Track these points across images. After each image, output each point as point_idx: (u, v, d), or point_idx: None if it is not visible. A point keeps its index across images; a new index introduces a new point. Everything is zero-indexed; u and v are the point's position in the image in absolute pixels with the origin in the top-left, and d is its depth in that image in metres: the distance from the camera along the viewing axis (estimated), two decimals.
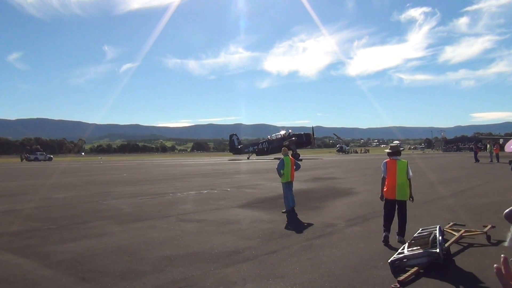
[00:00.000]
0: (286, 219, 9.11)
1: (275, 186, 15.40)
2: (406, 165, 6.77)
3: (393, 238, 6.93)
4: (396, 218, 6.83)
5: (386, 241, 6.58)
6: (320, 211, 10.16)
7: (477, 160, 32.52)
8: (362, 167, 31.49)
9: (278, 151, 54.58)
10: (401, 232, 6.71)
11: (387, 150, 7.12)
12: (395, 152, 6.96)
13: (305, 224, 8.47)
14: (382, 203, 6.98)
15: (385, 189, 6.83)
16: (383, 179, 6.94)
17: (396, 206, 6.82)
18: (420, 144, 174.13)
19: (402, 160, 6.87)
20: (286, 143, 51.60)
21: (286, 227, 8.19)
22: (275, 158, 54.55)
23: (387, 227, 6.75)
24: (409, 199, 6.82)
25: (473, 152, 35.62)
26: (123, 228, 8.34)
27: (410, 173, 6.81)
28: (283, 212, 9.90)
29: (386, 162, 6.93)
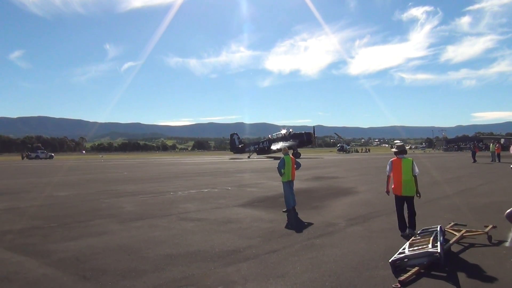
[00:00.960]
0: (287, 218, 9.11)
1: (276, 185, 15.40)
2: (411, 163, 7.18)
3: (397, 236, 6.94)
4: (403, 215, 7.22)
5: (406, 238, 6.84)
6: (321, 210, 10.16)
7: (474, 160, 32.47)
8: (363, 166, 31.47)
9: (279, 150, 54.73)
10: (412, 225, 7.11)
11: (394, 150, 7.61)
12: (401, 151, 7.43)
13: (306, 223, 8.46)
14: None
15: (393, 186, 7.29)
16: (388, 177, 7.46)
17: (404, 202, 7.24)
18: (421, 143, 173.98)
19: (407, 158, 7.29)
20: (287, 144, 51.77)
21: (287, 226, 8.19)
22: (268, 157, 54.63)
23: (402, 227, 7.18)
24: (416, 195, 7.20)
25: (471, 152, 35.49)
26: (124, 227, 8.35)
27: (417, 170, 7.22)
28: (283, 211, 9.90)
29: (392, 160, 7.38)
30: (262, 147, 60.78)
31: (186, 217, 9.39)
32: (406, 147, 7.91)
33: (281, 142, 56.62)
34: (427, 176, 18.98)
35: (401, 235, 7.08)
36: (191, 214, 9.81)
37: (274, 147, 56.93)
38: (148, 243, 6.90)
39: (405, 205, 7.25)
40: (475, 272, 5.16)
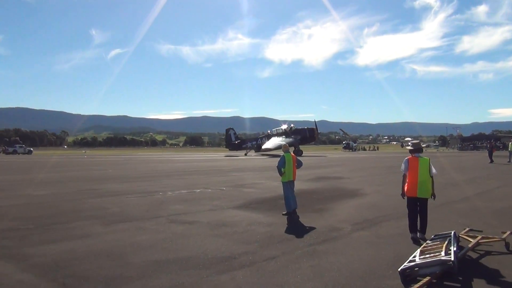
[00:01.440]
0: (287, 222, 9.12)
1: (275, 186, 15.40)
2: (428, 162, 7.30)
3: (407, 242, 6.94)
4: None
5: (416, 243, 6.99)
6: (324, 213, 10.17)
7: (491, 161, 32.61)
8: (371, 166, 31.54)
9: (269, 149, 54.85)
10: (423, 229, 7.26)
11: (409, 148, 7.75)
12: (417, 149, 7.56)
13: (308, 227, 8.47)
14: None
15: (406, 187, 7.36)
16: (404, 177, 7.49)
17: (418, 204, 7.34)
18: (434, 141, 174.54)
19: (424, 157, 7.40)
20: (282, 141, 51.80)
21: (287, 231, 8.19)
22: (265, 155, 54.69)
23: (413, 228, 7.31)
24: (431, 197, 7.33)
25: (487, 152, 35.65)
26: (108, 229, 8.34)
27: (434, 170, 7.36)
28: (283, 214, 9.90)
29: (407, 159, 7.46)
30: (260, 144, 60.81)
31: (176, 220, 9.38)
32: None
33: (278, 139, 56.64)
34: (440, 177, 18.97)
35: (411, 237, 7.20)
36: (182, 217, 9.80)
37: (265, 145, 56.83)
38: (134, 247, 6.88)
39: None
40: (492, 282, 5.17)
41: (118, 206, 11.51)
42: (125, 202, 12.21)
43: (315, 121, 61.28)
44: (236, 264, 5.93)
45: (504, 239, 6.74)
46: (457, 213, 10.09)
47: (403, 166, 7.49)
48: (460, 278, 5.28)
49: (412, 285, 4.93)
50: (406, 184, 7.39)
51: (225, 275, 5.48)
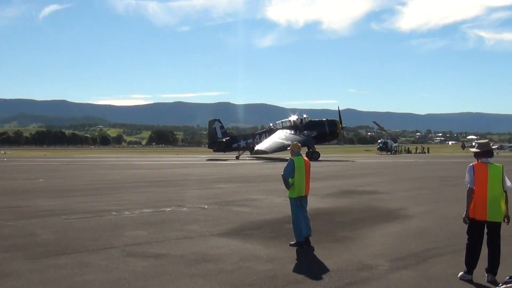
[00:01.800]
0: (296, 256, 9.13)
1: (279, 203, 15.45)
2: (501, 171, 7.28)
3: (470, 285, 6.96)
4: (484, 249, 7.34)
5: (469, 281, 7.16)
6: (351, 244, 10.20)
7: None
8: (418, 175, 31.61)
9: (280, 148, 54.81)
10: (493, 269, 7.20)
11: (474, 150, 7.67)
12: (486, 152, 7.50)
13: (327, 264, 8.47)
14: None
15: (471, 206, 7.32)
16: (470, 191, 7.40)
17: (486, 231, 7.31)
18: (509, 141, 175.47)
19: (495, 164, 7.35)
20: (298, 138, 51.69)
21: (296, 269, 8.20)
22: (259, 157, 54.68)
23: (471, 265, 7.30)
24: (503, 221, 7.28)
25: None
26: (36, 266, 8.31)
27: (508, 183, 7.33)
28: (291, 244, 9.92)
29: (473, 165, 7.43)
30: (259, 142, 60.89)
31: (136, 252, 9.39)
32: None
33: (280, 135, 56.60)
34: None
35: (463, 274, 7.27)
36: (145, 247, 9.81)
37: (259, 146, 56.65)
38: None
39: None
40: None
41: (52, 231, 11.48)
42: (62, 226, 12.19)
43: (338, 111, 61.42)
44: None
45: None
46: None
47: (467, 177, 7.46)
48: None
49: None
50: (472, 202, 7.36)
51: None
